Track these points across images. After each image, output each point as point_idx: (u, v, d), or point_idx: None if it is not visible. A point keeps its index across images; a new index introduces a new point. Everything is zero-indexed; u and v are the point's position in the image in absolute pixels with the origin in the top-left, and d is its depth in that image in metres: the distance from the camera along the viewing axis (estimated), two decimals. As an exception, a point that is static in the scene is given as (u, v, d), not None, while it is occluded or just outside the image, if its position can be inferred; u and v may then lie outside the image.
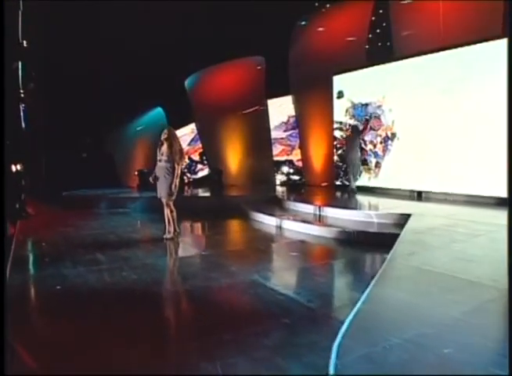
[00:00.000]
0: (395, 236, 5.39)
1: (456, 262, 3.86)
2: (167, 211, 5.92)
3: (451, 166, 7.59)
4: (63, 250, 5.44)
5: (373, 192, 9.03)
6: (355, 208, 7.28)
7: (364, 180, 9.37)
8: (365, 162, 9.38)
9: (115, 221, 7.57)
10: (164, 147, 5.89)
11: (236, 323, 3.19)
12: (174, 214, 5.93)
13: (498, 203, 6.78)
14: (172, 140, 5.90)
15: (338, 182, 10.26)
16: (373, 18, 9.89)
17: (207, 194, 10.77)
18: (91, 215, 8.14)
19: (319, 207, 7.24)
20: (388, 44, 9.30)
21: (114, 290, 3.86)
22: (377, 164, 9.03)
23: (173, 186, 5.82)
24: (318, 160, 11.27)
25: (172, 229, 5.93)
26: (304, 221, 6.67)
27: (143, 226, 7.16)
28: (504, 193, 6.49)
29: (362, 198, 8.48)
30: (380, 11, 9.74)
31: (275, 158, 12.21)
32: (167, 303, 3.63)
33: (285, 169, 12.10)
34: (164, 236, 5.94)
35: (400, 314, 2.79)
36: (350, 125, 9.59)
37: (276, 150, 12.23)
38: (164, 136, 5.90)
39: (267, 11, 10.49)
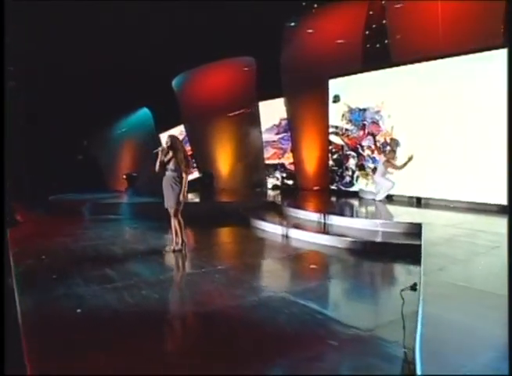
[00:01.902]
0: (409, 247, 5.47)
1: (489, 278, 3.88)
2: (174, 222, 5.73)
3: (451, 172, 7.70)
4: (66, 264, 5.17)
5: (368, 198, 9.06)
6: (362, 217, 7.28)
7: (361, 186, 9.41)
8: (362, 168, 9.45)
9: (111, 229, 7.30)
10: (169, 156, 5.72)
11: (284, 346, 3.09)
12: (182, 224, 5.74)
13: (499, 210, 6.94)
14: (176, 148, 5.72)
15: (333, 187, 10.27)
16: (368, 21, 9.96)
17: (200, 199, 10.57)
18: (84, 223, 7.84)
19: (325, 215, 7.20)
20: (385, 48, 9.38)
21: (140, 312, 3.67)
22: (375, 170, 9.06)
23: (181, 197, 5.65)
24: (311, 163, 11.26)
25: (180, 241, 5.76)
26: (313, 230, 6.61)
27: (143, 236, 6.92)
28: (506, 201, 6.74)
29: (362, 205, 8.51)
30: (376, 14, 9.81)
31: (267, 161, 12.13)
32: (203, 325, 3.47)
33: (277, 173, 12.02)
34: (172, 248, 5.76)
35: (462, 337, 2.75)
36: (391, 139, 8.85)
37: (268, 153, 12.16)
38: (167, 144, 5.71)
39: (258, 11, 10.41)
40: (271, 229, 7.17)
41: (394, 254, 5.39)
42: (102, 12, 9.89)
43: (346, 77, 9.74)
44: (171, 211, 5.70)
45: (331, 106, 10.11)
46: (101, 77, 10.74)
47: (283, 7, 10.60)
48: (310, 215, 7.59)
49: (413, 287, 4.29)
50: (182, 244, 5.75)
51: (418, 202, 8.35)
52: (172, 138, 5.80)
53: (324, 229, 6.74)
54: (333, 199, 9.61)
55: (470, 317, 3.06)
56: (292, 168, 11.83)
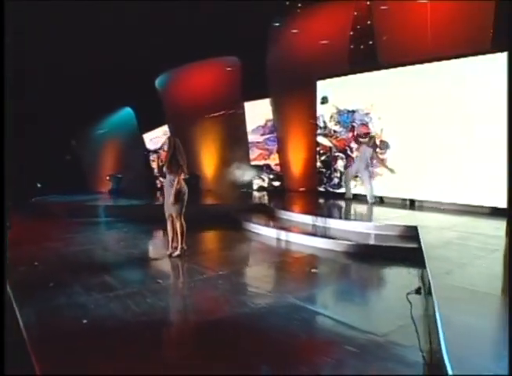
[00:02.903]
0: (407, 250, 5.58)
1: (493, 281, 3.98)
2: (176, 226, 5.66)
3: (443, 174, 7.81)
4: (61, 271, 5.04)
5: (359, 200, 9.14)
6: (356, 219, 7.35)
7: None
8: (350, 169, 9.51)
9: (101, 233, 7.16)
10: (167, 158, 5.65)
11: (303, 353, 3.11)
12: (185, 228, 5.66)
13: (490, 212, 7.11)
14: (172, 151, 5.61)
15: (321, 189, 10.33)
16: (355, 21, 10.05)
17: (187, 201, 10.43)
18: (71, 226, 7.62)
19: (319, 218, 7.23)
20: (372, 49, 9.49)
21: (148, 322, 3.59)
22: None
23: (171, 198, 5.56)
24: (298, 165, 11.29)
25: (179, 246, 5.67)
26: (309, 233, 6.64)
27: (135, 240, 6.79)
28: (497, 203, 6.95)
29: (353, 207, 8.58)
30: (363, 14, 9.91)
31: (253, 162, 12.10)
32: (217, 334, 3.40)
33: (263, 174, 12.00)
34: (169, 252, 5.69)
35: (484, 341, 2.84)
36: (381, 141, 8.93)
37: (253, 154, 12.14)
38: (165, 147, 5.66)
39: (242, 10, 10.38)
40: (265, 232, 7.15)
41: (392, 257, 5.44)
42: (88, 13, 9.70)
43: (335, 79, 9.80)
44: (174, 215, 5.63)
45: (319, 107, 10.15)
46: (81, 76, 10.52)
47: (268, 7, 10.61)
48: (303, 218, 7.59)
49: (418, 291, 4.38)
50: (181, 250, 5.66)
51: (411, 204, 8.45)
52: (170, 140, 5.71)
53: (320, 232, 6.75)
54: (324, 201, 9.64)
55: (485, 320, 3.15)
56: (278, 169, 11.85)
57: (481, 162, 7.28)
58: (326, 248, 6.07)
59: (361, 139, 9.22)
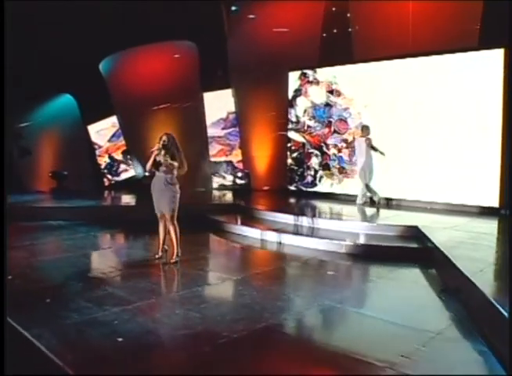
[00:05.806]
0: (411, 250, 5.90)
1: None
2: (169, 229, 5.53)
3: (425, 173, 8.28)
4: (49, 285, 4.70)
5: (336, 199, 9.42)
6: (348, 219, 7.57)
7: (326, 186, 9.76)
8: (327, 167, 9.78)
9: (66, 239, 6.71)
10: (162, 156, 5.51)
11: (379, 354, 3.14)
12: (178, 232, 5.52)
13: (480, 212, 7.60)
14: (174, 148, 5.60)
15: (292, 187, 10.49)
16: (328, 11, 10.34)
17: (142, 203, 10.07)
18: (25, 232, 7.01)
19: (310, 219, 7.38)
20: (347, 42, 9.83)
21: (195, 335, 3.46)
22: (342, 170, 9.49)
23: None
24: (264, 162, 11.33)
25: (175, 251, 5.52)
26: (305, 235, 6.75)
27: (114, 245, 6.51)
28: (486, 203, 7.55)
29: (337, 207, 8.80)
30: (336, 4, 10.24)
31: (213, 159, 11.98)
32: (279, 345, 3.34)
33: (224, 171, 11.93)
34: (158, 256, 5.59)
35: None
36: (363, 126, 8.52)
37: (213, 149, 12.02)
38: (163, 142, 5.52)
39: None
40: (253, 234, 7.10)
41: (399, 258, 5.69)
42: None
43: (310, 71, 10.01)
44: (167, 216, 5.48)
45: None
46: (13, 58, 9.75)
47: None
48: (288, 218, 7.63)
49: (446, 289, 4.70)
50: (177, 255, 5.51)
51: (388, 203, 8.86)
52: (168, 136, 5.61)
53: (314, 233, 6.86)
54: (298, 200, 9.80)
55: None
56: (241, 166, 11.83)
57: (470, 161, 7.76)
58: (328, 250, 6.19)
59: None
